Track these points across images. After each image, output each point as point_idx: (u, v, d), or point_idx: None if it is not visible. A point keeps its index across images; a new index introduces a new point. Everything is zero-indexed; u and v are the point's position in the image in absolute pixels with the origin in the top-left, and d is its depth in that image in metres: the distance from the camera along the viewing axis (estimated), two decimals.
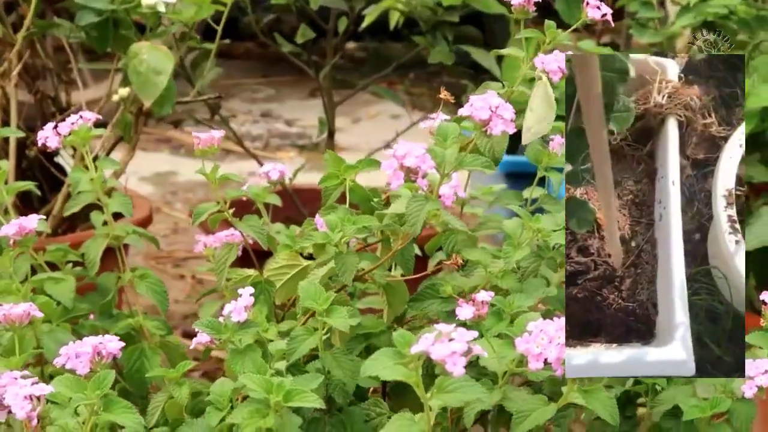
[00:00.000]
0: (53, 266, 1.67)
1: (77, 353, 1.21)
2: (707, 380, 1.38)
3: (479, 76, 3.97)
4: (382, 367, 1.03)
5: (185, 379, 1.39)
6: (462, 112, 1.27)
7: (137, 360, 1.58)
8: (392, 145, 2.75)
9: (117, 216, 2.34)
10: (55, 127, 1.61)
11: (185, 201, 3.53)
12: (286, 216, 2.51)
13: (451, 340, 1.00)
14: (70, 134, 1.61)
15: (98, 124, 2.28)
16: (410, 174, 1.21)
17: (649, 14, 2.50)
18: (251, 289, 1.27)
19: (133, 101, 2.14)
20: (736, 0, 2.08)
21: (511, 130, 1.26)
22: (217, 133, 1.47)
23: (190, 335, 2.71)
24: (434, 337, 1.01)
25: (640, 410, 1.49)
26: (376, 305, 1.54)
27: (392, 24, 2.74)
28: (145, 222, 2.29)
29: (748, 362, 1.33)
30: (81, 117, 1.63)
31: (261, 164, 2.65)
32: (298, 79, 4.40)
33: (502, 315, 1.32)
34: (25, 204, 2.27)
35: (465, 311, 1.19)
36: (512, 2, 1.48)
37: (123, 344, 1.25)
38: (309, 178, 2.78)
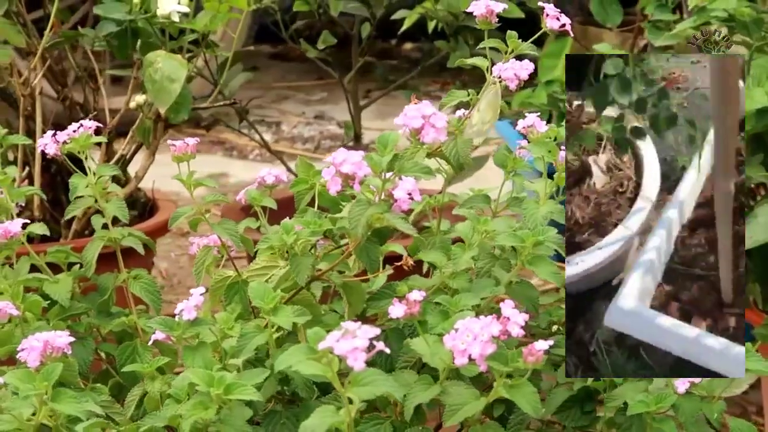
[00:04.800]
0: (58, 268, 1.76)
1: (30, 347, 1.30)
2: None
3: None
4: (295, 360, 1.10)
5: (158, 374, 1.47)
6: (396, 121, 1.33)
7: (130, 356, 1.66)
8: None
9: (142, 218, 2.45)
10: (54, 134, 1.70)
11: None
12: None
13: (354, 337, 1.07)
14: (70, 142, 1.70)
15: (119, 132, 2.38)
16: (348, 180, 1.27)
17: (664, 17, 2.53)
18: (202, 289, 1.34)
19: (151, 108, 2.23)
20: (734, 3, 2.11)
21: (443, 138, 1.32)
22: (191, 140, 1.54)
23: None
24: (341, 334, 1.07)
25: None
26: None
27: (430, 28, 2.81)
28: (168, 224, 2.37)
29: None
30: (81, 125, 1.72)
31: (286, 166, 2.75)
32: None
33: (449, 314, 1.37)
34: (55, 207, 2.37)
35: (397, 309, 1.25)
36: (474, 13, 1.53)
37: (72, 339, 1.33)
38: None
